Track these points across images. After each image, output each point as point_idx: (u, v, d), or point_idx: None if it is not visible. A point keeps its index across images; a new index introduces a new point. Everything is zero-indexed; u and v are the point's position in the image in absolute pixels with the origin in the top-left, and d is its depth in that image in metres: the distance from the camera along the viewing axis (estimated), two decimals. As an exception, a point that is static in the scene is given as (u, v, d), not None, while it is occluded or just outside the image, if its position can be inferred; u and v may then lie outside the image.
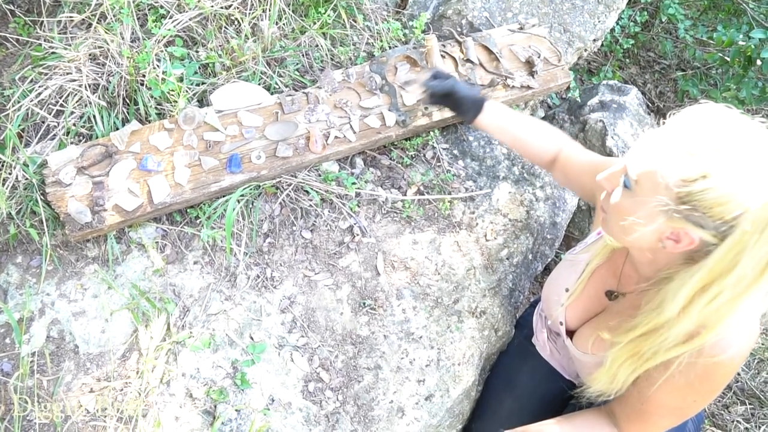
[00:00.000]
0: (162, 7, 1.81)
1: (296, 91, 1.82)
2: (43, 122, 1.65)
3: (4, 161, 1.55)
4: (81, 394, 1.41)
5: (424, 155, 1.90)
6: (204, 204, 1.66)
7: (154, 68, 1.68)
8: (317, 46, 1.91)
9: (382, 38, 1.97)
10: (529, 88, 1.95)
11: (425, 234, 1.77)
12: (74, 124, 1.65)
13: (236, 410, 1.43)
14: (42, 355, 1.45)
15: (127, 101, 1.71)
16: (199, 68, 1.80)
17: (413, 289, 1.68)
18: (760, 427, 1.99)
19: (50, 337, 1.48)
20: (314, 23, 1.92)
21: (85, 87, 1.66)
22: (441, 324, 1.64)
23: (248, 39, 1.83)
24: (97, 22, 1.75)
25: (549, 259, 1.96)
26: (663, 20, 3.34)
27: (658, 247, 1.02)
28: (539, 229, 1.88)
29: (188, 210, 1.66)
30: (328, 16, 1.92)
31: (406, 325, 1.63)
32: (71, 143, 1.62)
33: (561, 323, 1.42)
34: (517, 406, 1.60)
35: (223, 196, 1.65)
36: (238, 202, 1.64)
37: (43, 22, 1.80)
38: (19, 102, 1.63)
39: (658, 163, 0.95)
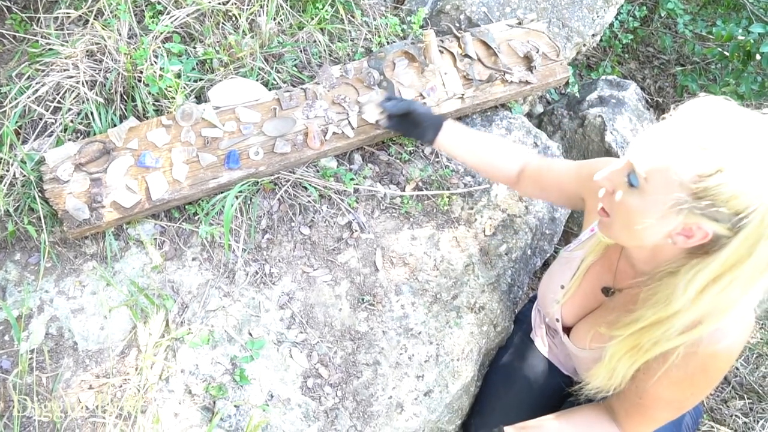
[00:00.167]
0: (159, 3, 1.80)
1: (294, 87, 1.81)
2: (41, 119, 1.65)
3: (2, 158, 1.55)
4: (80, 391, 1.42)
5: (423, 151, 1.90)
6: (202, 200, 1.66)
7: (152, 64, 1.67)
8: (315, 41, 1.91)
9: (380, 34, 1.97)
10: (527, 83, 1.94)
11: (424, 230, 1.76)
12: (72, 121, 1.65)
13: (235, 406, 1.43)
14: (41, 352, 1.45)
15: (125, 98, 1.71)
16: (197, 64, 1.79)
17: (412, 285, 1.68)
18: (758, 422, 1.99)
19: (49, 334, 1.48)
20: (312, 19, 1.91)
21: (83, 83, 1.65)
22: (440, 319, 1.64)
23: (246, 35, 1.82)
24: (94, 19, 1.74)
25: (548, 255, 1.96)
26: (662, 15, 3.33)
27: (665, 243, 1.01)
28: (538, 224, 1.88)
29: (186, 206, 1.66)
30: (326, 11, 1.92)
31: (404, 321, 1.63)
32: (69, 140, 1.62)
33: (557, 320, 1.42)
34: (515, 402, 1.61)
35: (222, 193, 1.65)
36: (237, 198, 1.64)
37: (39, 18, 1.80)
38: (16, 99, 1.62)
39: (670, 160, 0.92)
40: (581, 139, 2.37)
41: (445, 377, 1.58)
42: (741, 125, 0.90)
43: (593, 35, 2.30)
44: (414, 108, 1.56)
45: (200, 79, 1.77)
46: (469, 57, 1.94)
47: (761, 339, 2.21)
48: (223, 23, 1.84)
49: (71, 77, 1.66)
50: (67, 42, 1.72)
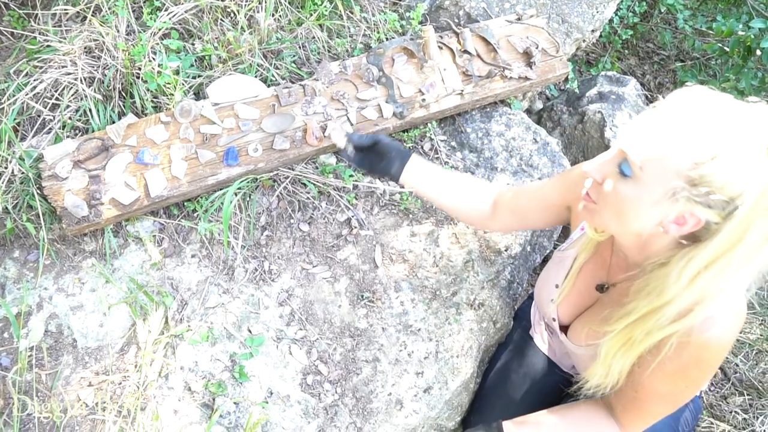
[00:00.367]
0: (157, -1, 1.80)
1: (293, 83, 1.81)
2: (39, 116, 1.64)
3: (0, 155, 1.55)
4: (80, 388, 1.42)
5: (422, 147, 1.90)
6: (201, 197, 1.66)
7: (150, 61, 1.67)
8: (314, 37, 1.90)
9: (379, 30, 1.96)
10: (527, 79, 1.94)
11: (423, 226, 1.76)
12: (70, 118, 1.64)
13: (235, 403, 1.43)
14: (40, 350, 1.45)
15: (123, 94, 1.70)
16: (196, 61, 1.79)
17: (411, 282, 1.68)
18: (758, 418, 1.99)
19: (48, 332, 1.48)
20: (311, 15, 1.90)
21: (81, 80, 1.65)
22: (439, 316, 1.64)
23: (244, 31, 1.82)
24: (92, 15, 1.73)
25: (548, 251, 1.96)
26: (662, 10, 3.32)
27: (657, 232, 1.01)
28: (537, 220, 1.87)
29: (185, 203, 1.66)
30: (325, 7, 1.91)
31: (404, 318, 1.63)
32: (67, 137, 1.62)
33: (554, 319, 1.43)
34: (515, 399, 1.61)
35: (221, 189, 1.65)
36: (236, 195, 1.64)
37: (37, 14, 1.79)
38: (14, 95, 1.62)
39: (667, 148, 0.93)
40: (581, 135, 2.36)
41: (444, 374, 1.58)
42: (732, 113, 0.92)
43: (593, 31, 2.29)
44: (380, 139, 1.50)
45: (199, 76, 1.76)
46: (469, 53, 1.93)
47: (761, 335, 2.21)
48: (221, 19, 1.83)
49: (69, 74, 1.66)
50: (65, 38, 1.71)
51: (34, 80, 1.64)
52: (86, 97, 1.65)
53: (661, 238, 1.04)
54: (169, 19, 1.76)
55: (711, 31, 2.93)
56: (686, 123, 0.92)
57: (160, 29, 1.73)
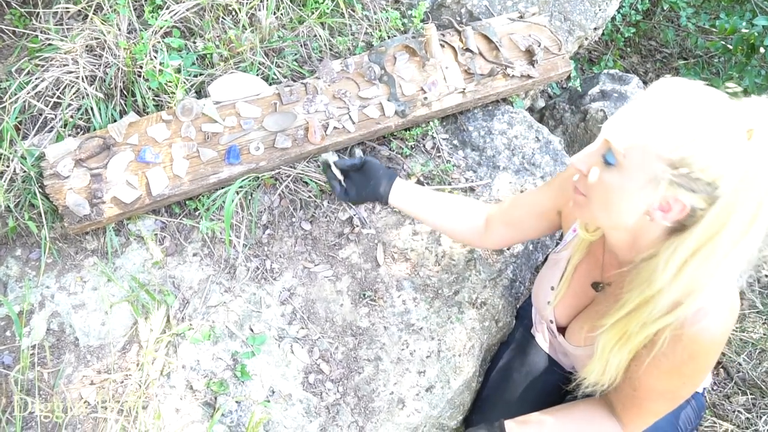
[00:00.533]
0: (159, -3, 1.79)
1: (294, 81, 1.80)
2: (41, 114, 1.64)
3: (2, 154, 1.55)
4: (82, 387, 1.42)
5: (424, 145, 1.89)
6: (203, 196, 1.66)
7: (152, 59, 1.66)
8: (315, 36, 1.90)
9: (380, 28, 1.96)
10: (529, 77, 1.93)
11: (425, 225, 1.76)
12: (72, 116, 1.64)
13: (236, 402, 1.43)
14: (42, 348, 1.45)
15: (125, 93, 1.70)
16: (197, 59, 1.78)
17: (413, 281, 1.68)
18: (761, 417, 1.98)
19: (50, 330, 1.48)
20: (312, 13, 1.90)
21: (82, 79, 1.65)
22: (441, 315, 1.64)
23: (246, 29, 1.81)
24: (93, 13, 1.73)
25: (549, 250, 1.96)
26: (665, 8, 3.31)
27: (644, 221, 1.03)
28: (540, 219, 1.87)
29: (187, 202, 1.66)
30: (326, 5, 1.90)
31: (406, 317, 1.62)
32: (69, 135, 1.62)
33: (551, 321, 1.43)
34: (517, 398, 1.60)
35: (222, 188, 1.65)
36: (237, 193, 1.64)
37: (39, 13, 1.79)
38: (15, 94, 1.62)
39: (647, 133, 0.96)
40: (583, 134, 2.35)
41: (446, 373, 1.58)
42: (712, 99, 0.94)
43: (595, 29, 2.28)
44: (367, 159, 1.48)
45: (200, 74, 1.76)
46: (471, 51, 1.92)
47: (765, 334, 2.20)
48: (222, 18, 1.83)
49: (71, 72, 1.65)
50: (66, 37, 1.71)
51: (36, 79, 1.64)
52: (88, 95, 1.64)
53: (650, 230, 1.05)
54: (171, 17, 1.75)
55: (714, 29, 2.92)
56: (666, 109, 0.95)
57: (161, 27, 1.73)
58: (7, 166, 1.55)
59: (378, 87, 1.81)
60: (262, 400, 1.45)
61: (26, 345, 1.44)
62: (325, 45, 1.90)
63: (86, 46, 1.70)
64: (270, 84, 1.79)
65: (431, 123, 1.90)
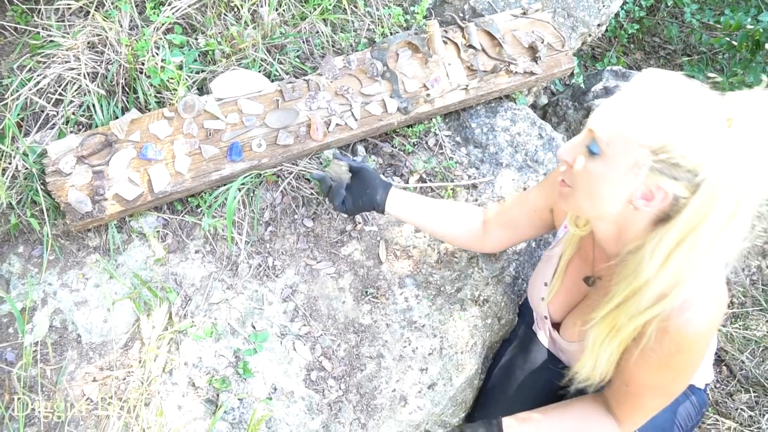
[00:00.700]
0: (160, -7, 1.79)
1: (297, 78, 1.80)
2: (42, 111, 1.64)
3: (4, 151, 1.55)
4: (84, 383, 1.42)
5: (427, 142, 1.89)
6: (205, 193, 1.65)
7: (153, 56, 1.66)
8: (318, 32, 1.89)
9: (383, 24, 1.95)
10: (532, 74, 1.92)
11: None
12: (73, 113, 1.64)
13: (239, 399, 1.43)
14: (45, 345, 1.45)
15: (127, 90, 1.70)
16: (199, 56, 1.78)
17: (416, 278, 1.67)
18: (764, 415, 1.98)
19: (53, 327, 1.48)
20: (314, 9, 1.89)
21: (84, 75, 1.64)
22: (444, 312, 1.64)
23: (248, 26, 1.81)
24: (95, 10, 1.73)
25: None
26: (669, 4, 3.29)
27: (627, 211, 1.04)
28: (542, 216, 1.86)
29: (189, 199, 1.65)
30: (329, 1, 1.90)
31: (408, 314, 1.62)
32: (71, 132, 1.61)
33: (546, 317, 1.45)
34: (519, 395, 1.60)
35: (224, 185, 1.64)
36: (239, 190, 1.63)
37: (40, 10, 1.78)
38: (17, 91, 1.62)
39: (629, 122, 0.98)
40: (586, 131, 2.34)
41: (449, 370, 1.57)
42: (692, 90, 0.97)
43: (599, 25, 2.27)
44: (363, 166, 1.49)
45: (202, 71, 1.75)
46: (474, 47, 1.92)
47: (767, 332, 2.20)
48: (224, 14, 1.83)
49: (72, 69, 1.65)
50: (68, 34, 1.71)
51: (38, 75, 1.64)
52: (89, 92, 1.64)
53: (635, 221, 1.06)
54: (172, 13, 1.75)
55: (719, 25, 2.90)
56: (648, 98, 0.97)
57: (163, 24, 1.73)
58: (9, 163, 1.55)
59: (380, 83, 1.80)
60: (265, 398, 1.45)
61: (29, 342, 1.44)
62: (327, 41, 1.90)
63: (88, 43, 1.70)
64: (272, 81, 1.79)
65: (434, 120, 1.90)
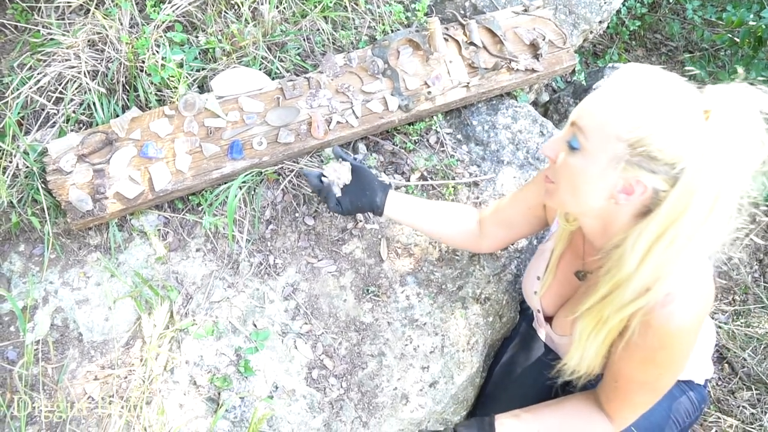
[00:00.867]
0: (161, -9, 1.78)
1: (297, 76, 1.79)
2: (43, 110, 1.64)
3: (5, 149, 1.54)
4: (85, 382, 1.42)
5: (428, 140, 1.88)
6: (206, 191, 1.65)
7: (154, 54, 1.66)
8: (318, 30, 1.89)
9: (384, 22, 1.95)
10: (533, 71, 1.92)
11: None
12: (74, 112, 1.64)
13: (240, 397, 1.43)
14: (46, 343, 1.45)
15: (127, 88, 1.69)
16: (199, 54, 1.78)
17: (417, 276, 1.67)
18: (766, 413, 1.98)
19: (54, 325, 1.48)
20: (315, 7, 1.89)
21: (84, 74, 1.64)
22: (445, 310, 1.63)
23: (248, 23, 1.80)
24: (95, 8, 1.72)
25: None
26: (670, 1, 3.28)
27: (609, 205, 1.05)
28: (544, 214, 1.86)
29: (190, 197, 1.65)
30: (330, -1, 1.89)
31: (409, 312, 1.62)
32: (71, 131, 1.61)
33: (538, 311, 1.46)
34: (521, 392, 1.60)
35: (225, 183, 1.64)
36: (240, 188, 1.63)
37: (40, 7, 1.78)
38: (18, 89, 1.61)
39: (607, 116, 0.99)
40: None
41: (450, 368, 1.57)
42: (669, 84, 0.98)
43: (600, 22, 2.26)
44: (360, 166, 1.47)
45: (203, 69, 1.75)
46: (475, 45, 1.91)
47: (769, 329, 2.20)
48: (225, 12, 1.82)
49: (73, 67, 1.65)
50: (68, 32, 1.70)
51: (38, 74, 1.63)
52: (90, 90, 1.64)
53: (618, 216, 1.07)
54: (173, 11, 1.74)
55: (721, 22, 2.89)
56: (625, 92, 0.98)
57: (163, 22, 1.72)
58: (10, 162, 1.55)
59: (381, 81, 1.80)
60: (266, 396, 1.45)
61: (30, 340, 1.44)
62: (328, 39, 1.89)
63: (88, 41, 1.69)
64: (273, 78, 1.78)
65: (435, 117, 1.89)
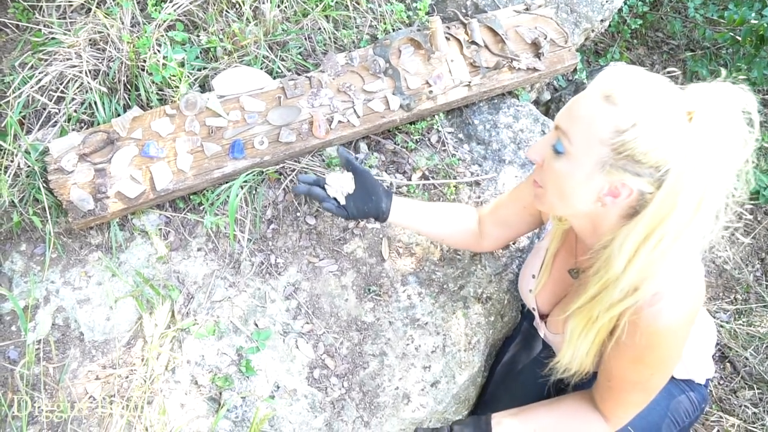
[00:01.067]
0: (162, -10, 1.78)
1: (299, 75, 1.79)
2: (44, 109, 1.64)
3: (6, 149, 1.54)
4: (87, 382, 1.42)
5: (429, 139, 1.88)
6: (207, 190, 1.65)
7: (155, 53, 1.65)
8: (320, 29, 1.88)
9: (385, 20, 1.94)
10: (535, 70, 1.91)
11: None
12: (75, 111, 1.63)
13: (241, 397, 1.43)
14: (47, 343, 1.45)
15: (128, 87, 1.69)
16: (201, 53, 1.77)
17: (418, 275, 1.67)
18: (768, 412, 1.98)
19: (55, 325, 1.48)
20: (317, 6, 1.88)
21: (86, 73, 1.64)
22: (447, 310, 1.63)
23: (250, 22, 1.80)
24: (97, 7, 1.72)
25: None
26: (672, -1, 3.27)
27: (597, 208, 1.05)
28: (546, 213, 1.86)
29: (191, 196, 1.65)
30: (331, -2, 1.89)
31: (411, 311, 1.62)
32: (73, 130, 1.61)
33: (534, 309, 1.46)
34: (522, 392, 1.60)
35: (226, 182, 1.64)
36: (241, 188, 1.63)
37: (42, 7, 1.78)
38: (19, 89, 1.61)
39: (590, 120, 0.99)
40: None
41: (452, 368, 1.57)
42: (652, 85, 0.97)
43: (602, 20, 2.26)
44: (362, 170, 1.43)
45: (204, 68, 1.75)
46: (476, 44, 1.91)
47: (771, 329, 2.19)
48: (226, 11, 1.82)
49: (74, 66, 1.65)
50: (69, 31, 1.70)
51: (39, 73, 1.63)
52: (91, 89, 1.64)
53: (606, 217, 1.07)
54: (174, 10, 1.74)
55: (722, 20, 2.89)
56: (607, 95, 0.98)
57: (164, 21, 1.72)
58: (12, 161, 1.55)
59: (383, 80, 1.79)
60: (267, 396, 1.45)
61: (31, 340, 1.44)
62: (329, 38, 1.89)
63: (89, 40, 1.69)
64: (274, 78, 1.78)
65: (436, 116, 1.89)
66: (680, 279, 1.07)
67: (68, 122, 1.62)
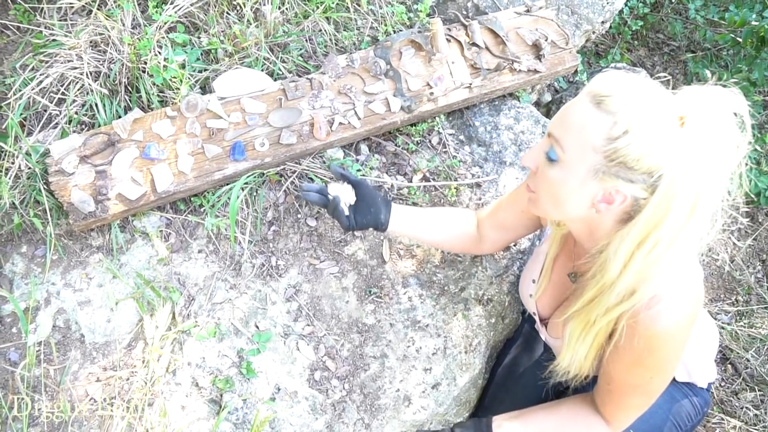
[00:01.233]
0: (163, -8, 1.78)
1: (300, 77, 1.79)
2: (45, 111, 1.64)
3: (7, 150, 1.54)
4: (87, 383, 1.42)
5: (430, 141, 1.88)
6: (208, 192, 1.65)
7: (156, 55, 1.65)
8: (321, 30, 1.88)
9: (386, 22, 1.94)
10: (536, 71, 1.91)
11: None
12: (76, 113, 1.63)
13: (242, 399, 1.43)
14: (48, 345, 1.45)
15: (129, 89, 1.69)
16: (201, 55, 1.77)
17: (419, 277, 1.67)
18: (769, 414, 1.97)
19: (56, 327, 1.48)
20: (317, 7, 1.88)
21: (87, 75, 1.64)
22: (447, 312, 1.63)
23: (251, 24, 1.80)
24: (98, 9, 1.72)
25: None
26: (673, 1, 3.28)
27: (591, 213, 1.06)
28: (547, 215, 1.85)
29: (192, 198, 1.65)
30: (332, 0, 1.89)
31: (412, 313, 1.62)
32: (73, 132, 1.61)
33: (534, 313, 1.46)
34: (523, 394, 1.60)
35: (227, 184, 1.64)
36: (242, 190, 1.63)
37: (43, 8, 1.78)
38: (20, 90, 1.61)
39: (582, 128, 0.99)
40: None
41: (452, 370, 1.57)
42: (642, 91, 0.97)
43: (603, 22, 2.26)
44: (360, 181, 1.42)
45: (205, 70, 1.75)
46: (477, 45, 1.91)
47: (773, 331, 2.19)
48: (227, 12, 1.82)
49: (75, 68, 1.65)
50: (70, 33, 1.70)
51: (40, 75, 1.63)
52: (92, 91, 1.64)
53: (602, 222, 1.08)
54: (175, 12, 1.74)
55: (723, 22, 2.89)
56: (599, 102, 0.98)
57: (165, 23, 1.72)
58: (12, 163, 1.55)
59: (384, 82, 1.79)
60: (268, 398, 1.45)
61: (32, 342, 1.44)
62: (330, 40, 1.89)
63: (90, 42, 1.69)
64: (275, 79, 1.78)
65: (437, 118, 1.89)
66: (677, 282, 1.07)
67: (69, 124, 1.62)
